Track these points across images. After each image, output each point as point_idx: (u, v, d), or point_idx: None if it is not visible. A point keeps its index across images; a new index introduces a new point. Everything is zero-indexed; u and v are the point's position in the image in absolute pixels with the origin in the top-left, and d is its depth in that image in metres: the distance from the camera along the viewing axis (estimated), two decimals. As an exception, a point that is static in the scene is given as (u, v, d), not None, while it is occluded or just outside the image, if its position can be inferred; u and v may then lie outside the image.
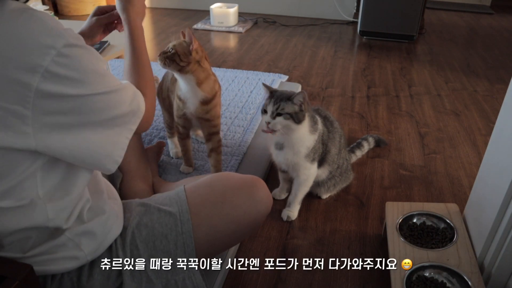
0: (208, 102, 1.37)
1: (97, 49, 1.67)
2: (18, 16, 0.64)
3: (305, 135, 1.25)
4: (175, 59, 1.28)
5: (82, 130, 0.71)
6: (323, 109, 1.43)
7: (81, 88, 0.68)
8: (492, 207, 1.02)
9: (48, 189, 0.72)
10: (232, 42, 3.25)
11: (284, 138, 1.25)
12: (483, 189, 1.15)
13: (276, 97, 1.20)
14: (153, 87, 0.94)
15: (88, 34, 1.08)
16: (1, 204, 0.68)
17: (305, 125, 1.24)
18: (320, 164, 1.36)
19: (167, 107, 1.59)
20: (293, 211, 1.39)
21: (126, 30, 0.96)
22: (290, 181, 1.49)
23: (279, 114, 1.19)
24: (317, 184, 1.42)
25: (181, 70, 1.30)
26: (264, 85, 1.26)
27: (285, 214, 1.39)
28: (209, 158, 1.50)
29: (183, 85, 1.36)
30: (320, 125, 1.32)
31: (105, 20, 1.09)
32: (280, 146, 1.29)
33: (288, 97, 1.19)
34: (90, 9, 3.87)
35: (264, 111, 1.22)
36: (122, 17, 0.97)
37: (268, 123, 1.20)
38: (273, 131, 1.20)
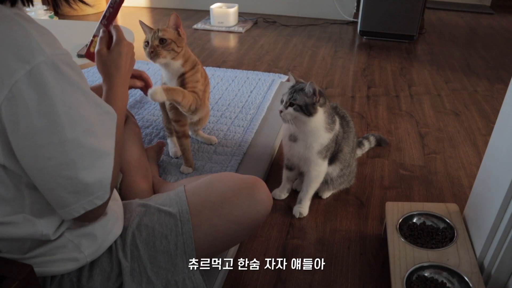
0: (186, 72, 1.37)
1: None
2: (4, 23, 0.60)
3: (319, 131, 1.26)
4: (173, 48, 1.26)
5: (35, 174, 0.62)
6: (341, 108, 1.43)
7: (38, 121, 0.59)
8: (492, 207, 1.02)
9: (39, 207, 0.71)
10: (232, 42, 3.25)
11: (299, 131, 1.27)
12: (483, 189, 1.15)
13: (294, 88, 1.24)
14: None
15: None
16: None
17: (319, 120, 1.24)
18: (332, 161, 1.37)
19: (164, 106, 1.59)
20: (304, 208, 1.39)
21: (103, 94, 0.83)
22: (292, 181, 1.50)
23: (291, 105, 1.21)
24: (325, 181, 1.42)
25: (176, 57, 1.29)
26: (292, 75, 1.30)
27: (296, 211, 1.39)
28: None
29: (166, 73, 1.36)
30: (337, 126, 1.32)
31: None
32: (294, 138, 1.30)
33: (301, 89, 1.22)
34: (90, 9, 3.88)
35: (282, 101, 1.26)
36: (103, 80, 0.85)
37: (281, 111, 1.23)
38: (284, 120, 1.24)
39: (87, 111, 0.64)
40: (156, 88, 1.21)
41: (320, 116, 1.24)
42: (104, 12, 0.91)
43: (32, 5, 0.67)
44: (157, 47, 1.26)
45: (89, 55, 0.91)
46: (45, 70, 0.59)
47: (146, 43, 1.29)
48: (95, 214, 0.73)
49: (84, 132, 0.64)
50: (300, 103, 1.20)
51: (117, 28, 0.88)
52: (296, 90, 1.23)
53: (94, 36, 0.91)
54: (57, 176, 0.64)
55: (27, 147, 0.61)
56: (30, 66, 0.58)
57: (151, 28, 1.30)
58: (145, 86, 1.15)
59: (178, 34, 1.31)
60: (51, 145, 0.61)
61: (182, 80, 1.38)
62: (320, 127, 1.26)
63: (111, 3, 0.91)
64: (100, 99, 0.68)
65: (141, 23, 1.30)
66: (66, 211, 0.67)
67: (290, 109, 1.21)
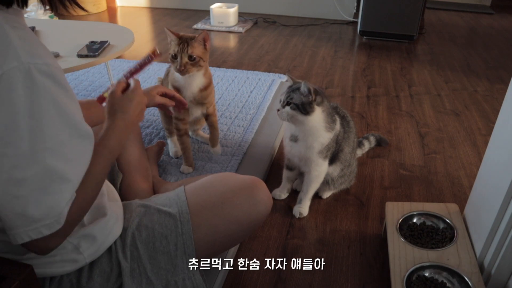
0: (207, 87, 1.42)
1: (97, 49, 1.67)
2: None
3: (319, 130, 1.27)
4: (200, 64, 1.33)
5: None
6: (341, 108, 1.44)
7: None
8: (492, 207, 1.02)
9: None
10: (232, 42, 3.25)
11: (298, 130, 1.28)
12: (483, 189, 1.15)
13: (291, 87, 1.26)
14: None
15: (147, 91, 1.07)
16: None
17: (318, 119, 1.25)
18: (332, 161, 1.37)
19: (163, 107, 1.59)
20: (304, 208, 1.40)
21: (101, 132, 0.78)
22: (292, 181, 1.50)
23: (288, 104, 1.23)
24: (326, 181, 1.42)
25: (200, 68, 1.35)
26: (289, 76, 1.33)
27: (296, 211, 1.39)
28: (207, 121, 1.58)
29: (188, 84, 1.39)
30: (338, 125, 1.33)
31: (164, 89, 1.09)
32: (295, 138, 1.31)
33: (298, 88, 1.24)
34: (90, 9, 3.87)
35: (280, 100, 1.28)
36: (106, 119, 0.81)
37: (278, 110, 1.26)
38: (281, 118, 1.26)
39: (57, 129, 0.59)
40: (214, 151, 1.62)
41: (318, 115, 1.24)
42: (130, 67, 0.99)
43: (26, 6, 0.65)
44: (186, 64, 1.30)
45: (100, 98, 0.98)
46: (17, 77, 0.56)
47: (174, 56, 1.32)
48: (46, 246, 0.65)
49: (47, 150, 0.59)
50: (297, 102, 1.22)
51: (136, 80, 0.91)
52: (293, 89, 1.24)
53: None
54: (4, 192, 0.58)
55: None
56: (1, 71, 0.55)
57: (178, 38, 1.31)
58: (180, 104, 1.20)
59: (205, 47, 1.34)
60: (3, 157, 0.57)
61: (203, 98, 1.43)
62: (319, 127, 1.26)
63: (141, 62, 1.00)
64: (79, 120, 0.63)
65: (167, 30, 1.32)
66: (12, 234, 0.61)
67: (287, 108, 1.23)
